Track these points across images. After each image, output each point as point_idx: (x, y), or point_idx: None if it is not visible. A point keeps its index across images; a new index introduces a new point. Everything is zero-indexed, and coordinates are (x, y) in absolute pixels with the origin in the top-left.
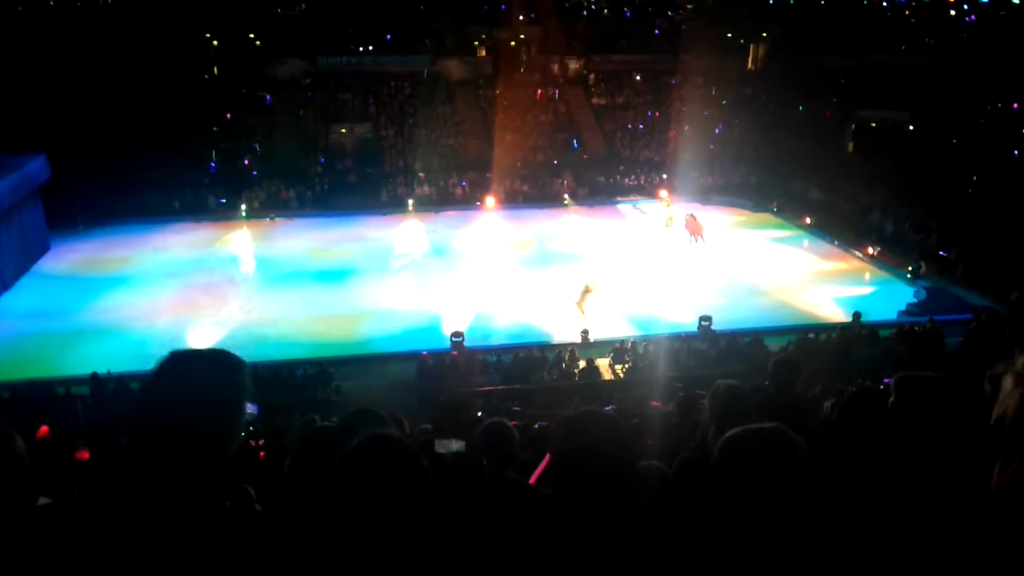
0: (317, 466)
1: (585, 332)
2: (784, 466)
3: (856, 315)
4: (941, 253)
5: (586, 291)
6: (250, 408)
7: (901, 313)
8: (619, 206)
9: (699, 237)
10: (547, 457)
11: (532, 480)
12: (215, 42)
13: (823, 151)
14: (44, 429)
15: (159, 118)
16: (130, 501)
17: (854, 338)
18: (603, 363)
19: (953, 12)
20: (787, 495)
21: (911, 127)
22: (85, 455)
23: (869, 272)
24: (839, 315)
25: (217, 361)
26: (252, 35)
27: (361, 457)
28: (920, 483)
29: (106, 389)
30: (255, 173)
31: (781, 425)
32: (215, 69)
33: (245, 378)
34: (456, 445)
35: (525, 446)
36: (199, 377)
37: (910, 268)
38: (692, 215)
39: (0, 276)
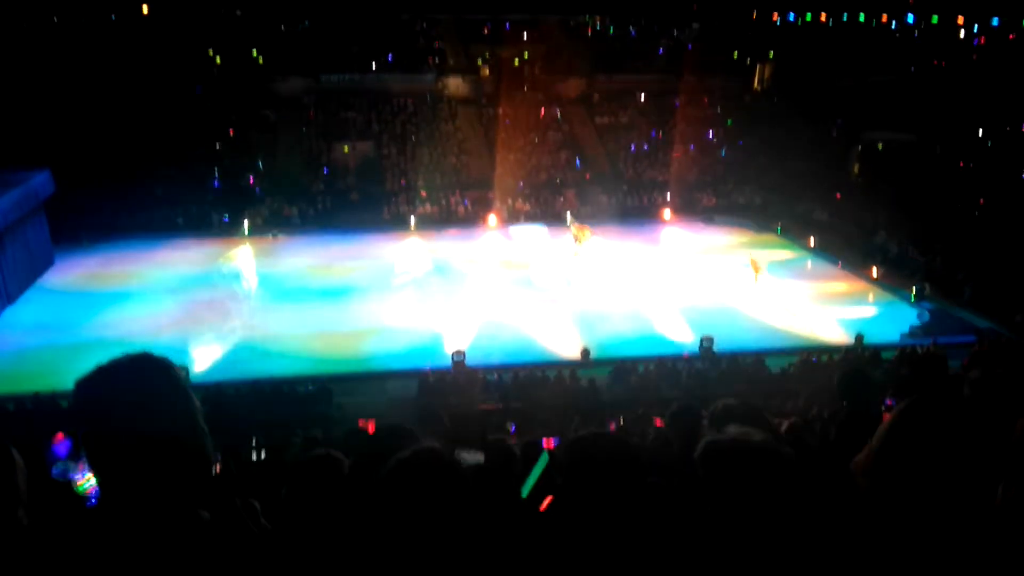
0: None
1: (585, 351)
2: (768, 475)
3: (859, 337)
4: (958, 275)
5: (755, 265)
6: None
7: (904, 335)
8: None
9: (582, 245)
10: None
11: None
12: (218, 59)
13: (829, 172)
14: (60, 436)
15: (163, 134)
16: (130, 512)
17: (856, 360)
18: (603, 382)
19: (962, 34)
20: (772, 503)
21: (918, 149)
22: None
23: (873, 294)
24: (842, 337)
25: (141, 363)
26: (255, 52)
27: (410, 469)
28: (915, 504)
29: None
30: (258, 190)
31: (764, 433)
32: (218, 86)
33: (175, 375)
34: (474, 457)
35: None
36: (127, 381)
37: (914, 290)
38: (583, 226)
39: (5, 290)
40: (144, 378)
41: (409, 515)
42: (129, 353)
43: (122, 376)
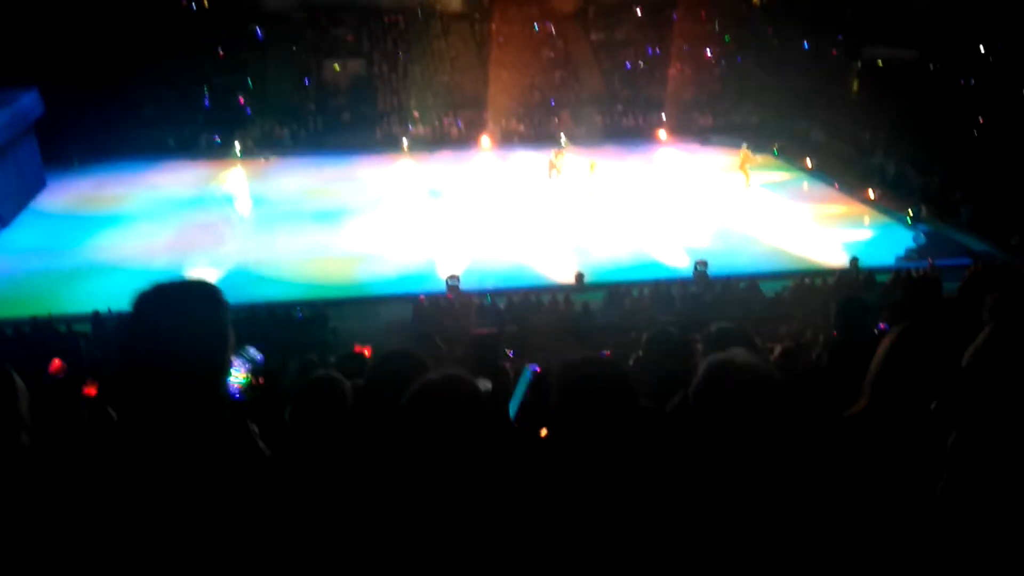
0: (326, 415)
1: (580, 275)
2: (763, 397)
3: (854, 260)
4: (956, 196)
5: (745, 158)
6: (256, 355)
7: (899, 258)
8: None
9: (557, 172)
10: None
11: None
12: None
13: (828, 90)
14: (56, 363)
15: (151, 52)
16: (135, 440)
17: (851, 283)
18: (597, 306)
19: None
20: (765, 427)
21: (918, 66)
22: (92, 390)
23: (869, 216)
24: (837, 260)
25: (198, 292)
26: None
27: (439, 395)
28: (909, 428)
29: (107, 327)
30: (248, 110)
31: (759, 358)
32: (204, 1)
33: (226, 310)
34: (485, 385)
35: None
36: (182, 310)
37: (910, 212)
38: (560, 151)
39: None
40: (200, 308)
41: (435, 439)
42: (188, 279)
43: (181, 302)
